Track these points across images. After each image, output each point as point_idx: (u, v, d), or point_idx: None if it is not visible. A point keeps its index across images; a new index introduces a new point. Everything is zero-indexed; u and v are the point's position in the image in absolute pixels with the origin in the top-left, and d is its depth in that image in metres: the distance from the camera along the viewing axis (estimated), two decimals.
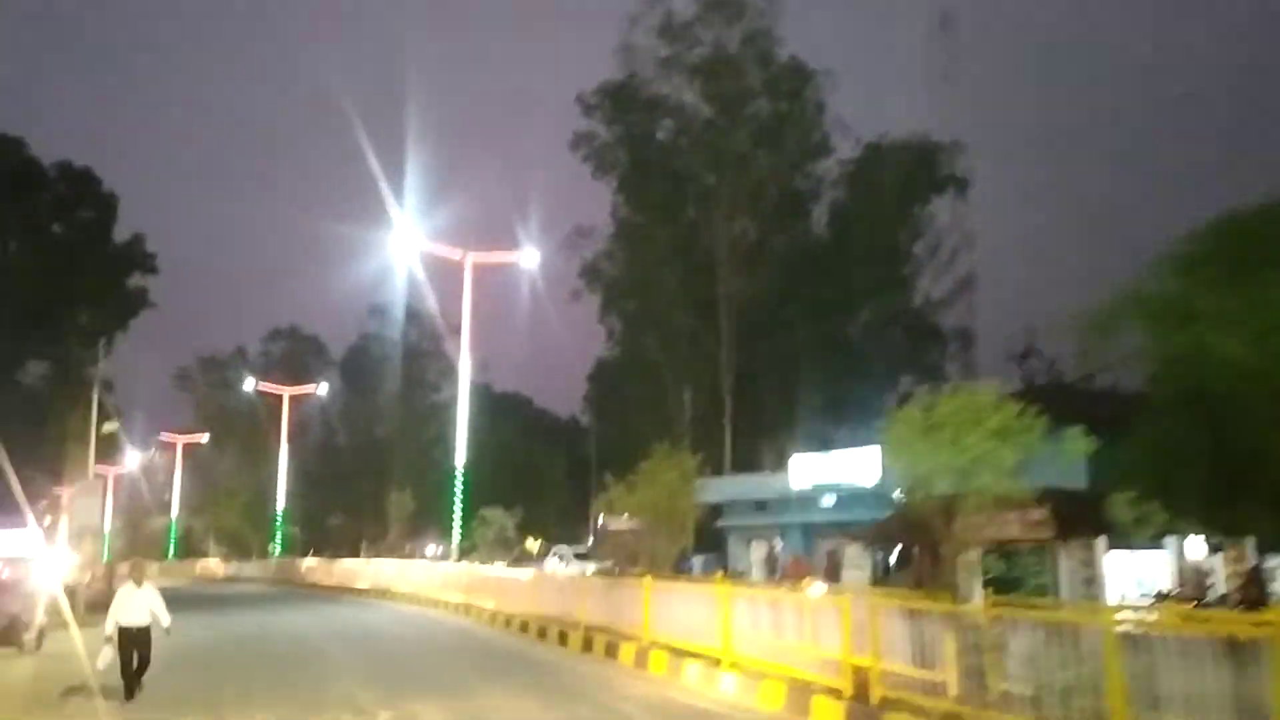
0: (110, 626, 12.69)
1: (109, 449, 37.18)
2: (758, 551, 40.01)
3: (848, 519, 38.32)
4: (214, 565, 65.04)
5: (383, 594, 33.75)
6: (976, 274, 45.63)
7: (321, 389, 62.32)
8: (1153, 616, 11.22)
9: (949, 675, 9.89)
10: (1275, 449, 12.95)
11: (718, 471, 44.18)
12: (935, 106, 52.33)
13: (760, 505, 40.10)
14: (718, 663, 13.58)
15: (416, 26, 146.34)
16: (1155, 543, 20.08)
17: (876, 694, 10.54)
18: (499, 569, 27.59)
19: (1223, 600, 18.33)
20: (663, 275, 46.53)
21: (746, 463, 45.87)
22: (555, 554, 39.45)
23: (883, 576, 31.59)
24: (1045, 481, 13.24)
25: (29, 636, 18.49)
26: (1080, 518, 18.67)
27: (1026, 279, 64.20)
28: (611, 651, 16.52)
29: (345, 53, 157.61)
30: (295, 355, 79.06)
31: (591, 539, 53.23)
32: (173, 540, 75.36)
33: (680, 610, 15.34)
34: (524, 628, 20.87)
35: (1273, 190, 14.54)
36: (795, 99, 46.58)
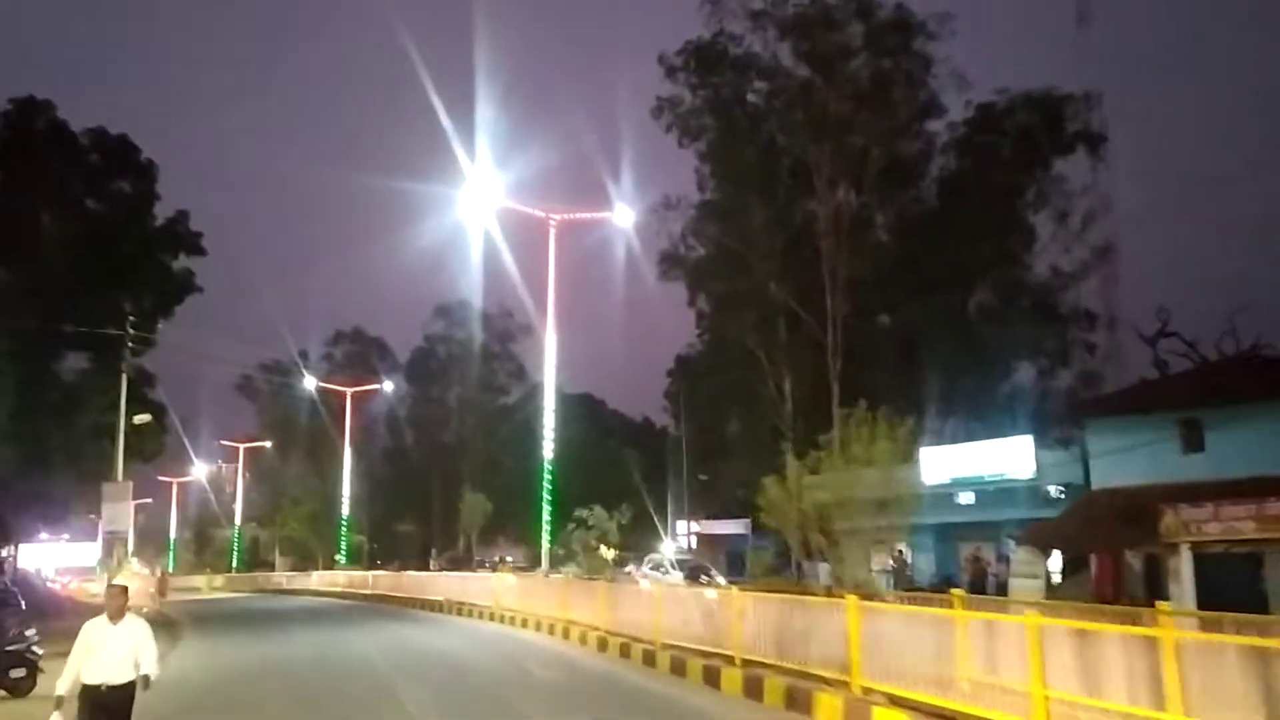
0: (66, 683, 7.90)
1: (148, 447, 32.82)
2: (878, 558, 34.58)
3: (990, 519, 32.87)
4: (276, 576, 61.11)
5: (458, 608, 28.98)
6: (1115, 243, 39.71)
7: (387, 386, 58.09)
8: None
9: None
10: None
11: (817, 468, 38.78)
12: (1065, 54, 46.30)
13: (880, 505, 34.65)
14: None
15: None
16: None
17: None
18: (603, 582, 22.59)
19: None
20: (758, 252, 41.32)
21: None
22: (650, 563, 34.33)
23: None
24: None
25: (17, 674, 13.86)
26: None
27: (1155, 250, 57.08)
28: (797, 702, 11.39)
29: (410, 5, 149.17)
30: (359, 358, 75.21)
31: (678, 544, 47.96)
32: (237, 550, 71.86)
33: (913, 644, 10.18)
34: (649, 659, 15.79)
35: None
36: (901, 55, 41.13)
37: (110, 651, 8.02)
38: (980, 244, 40.38)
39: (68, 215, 29.43)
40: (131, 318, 23.06)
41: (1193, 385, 26.50)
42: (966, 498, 32.74)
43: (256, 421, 76.24)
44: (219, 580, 67.08)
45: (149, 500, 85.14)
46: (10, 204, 28.37)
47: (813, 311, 40.62)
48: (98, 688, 7.84)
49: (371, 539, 71.00)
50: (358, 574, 46.63)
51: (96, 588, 36.77)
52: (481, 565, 61.59)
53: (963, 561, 32.49)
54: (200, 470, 78.38)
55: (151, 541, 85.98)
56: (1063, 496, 29.50)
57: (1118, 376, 40.32)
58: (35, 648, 13.69)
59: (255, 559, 78.41)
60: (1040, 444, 31.44)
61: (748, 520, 38.36)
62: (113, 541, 23.51)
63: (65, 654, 8.07)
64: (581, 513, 29.45)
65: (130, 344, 23.11)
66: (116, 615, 8.18)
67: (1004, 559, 30.10)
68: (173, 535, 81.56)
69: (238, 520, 71.61)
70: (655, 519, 67.68)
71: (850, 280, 40.19)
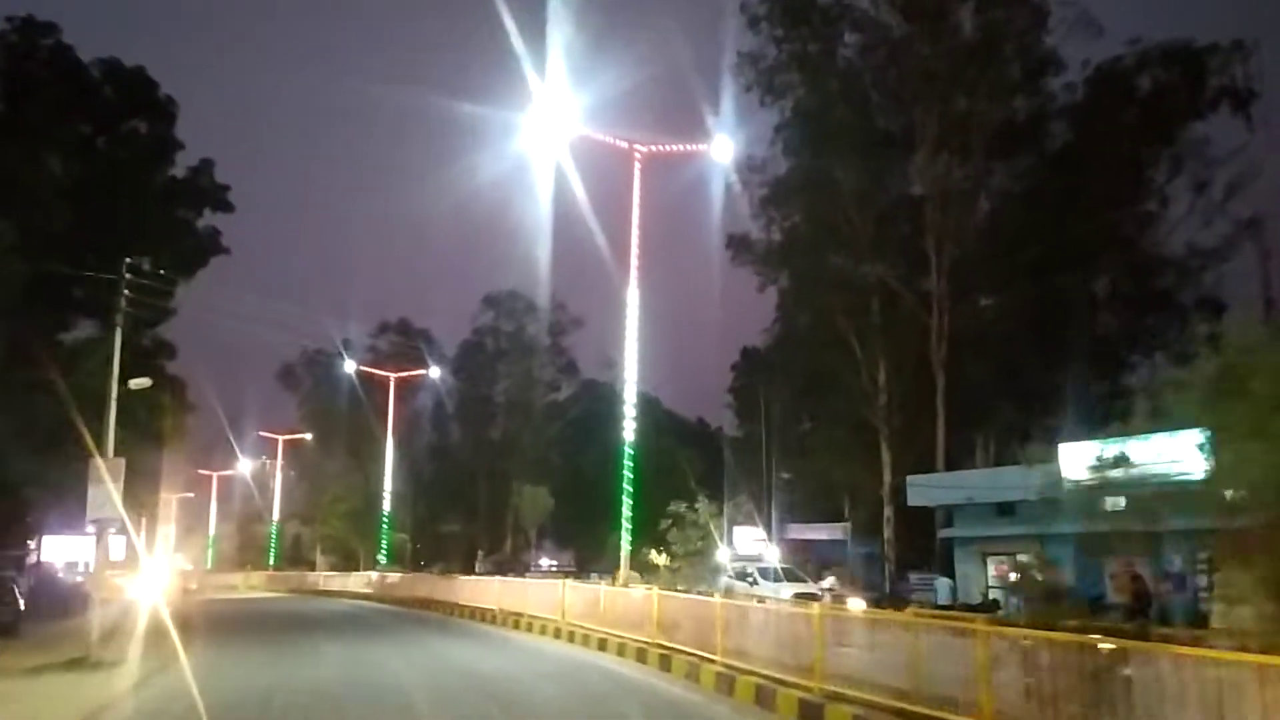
0: None
1: (156, 423, 27.91)
2: (1002, 571, 29.20)
3: (1148, 528, 27.21)
4: (313, 577, 56.69)
5: (515, 620, 24.07)
6: (1263, 217, 33.91)
7: (432, 372, 53.58)
8: None
9: None
10: None
11: (925, 467, 33.47)
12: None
13: (1005, 510, 29.36)
14: None
15: None
16: None
17: None
18: (717, 598, 17.41)
19: None
20: (849, 225, 36.10)
21: (957, 458, 35.10)
22: (734, 571, 29.05)
23: None
24: None
25: None
26: None
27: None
28: None
29: None
30: (405, 351, 70.72)
31: (768, 549, 42.25)
32: (274, 546, 67.66)
33: None
34: (814, 715, 10.66)
35: None
36: (1013, 6, 35.78)
37: None
38: (1104, 217, 34.89)
39: (74, 158, 25.02)
40: (129, 260, 18.25)
41: None
42: (1114, 502, 27.18)
43: (297, 414, 72.17)
44: (257, 579, 62.87)
45: (190, 495, 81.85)
46: (7, 142, 24.11)
47: (913, 292, 35.39)
48: None
49: (414, 539, 66.48)
50: (400, 576, 41.98)
51: (127, 581, 32.43)
52: (527, 569, 56.92)
53: (1110, 578, 27.01)
54: (244, 465, 74.55)
55: (197, 537, 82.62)
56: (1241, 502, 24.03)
57: None
58: None
59: (297, 557, 74.30)
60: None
61: (846, 524, 33.09)
62: (102, 530, 18.77)
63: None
64: (676, 507, 24.04)
65: (127, 293, 18.38)
66: None
67: (1170, 576, 24.68)
68: (212, 531, 77.66)
69: (275, 516, 67.41)
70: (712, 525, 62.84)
71: (957, 257, 34.90)
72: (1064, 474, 26.62)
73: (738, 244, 43.16)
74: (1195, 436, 24.95)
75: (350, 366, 52.40)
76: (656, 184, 23.29)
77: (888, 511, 34.80)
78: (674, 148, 22.21)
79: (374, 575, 43.81)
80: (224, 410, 72.27)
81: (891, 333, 36.05)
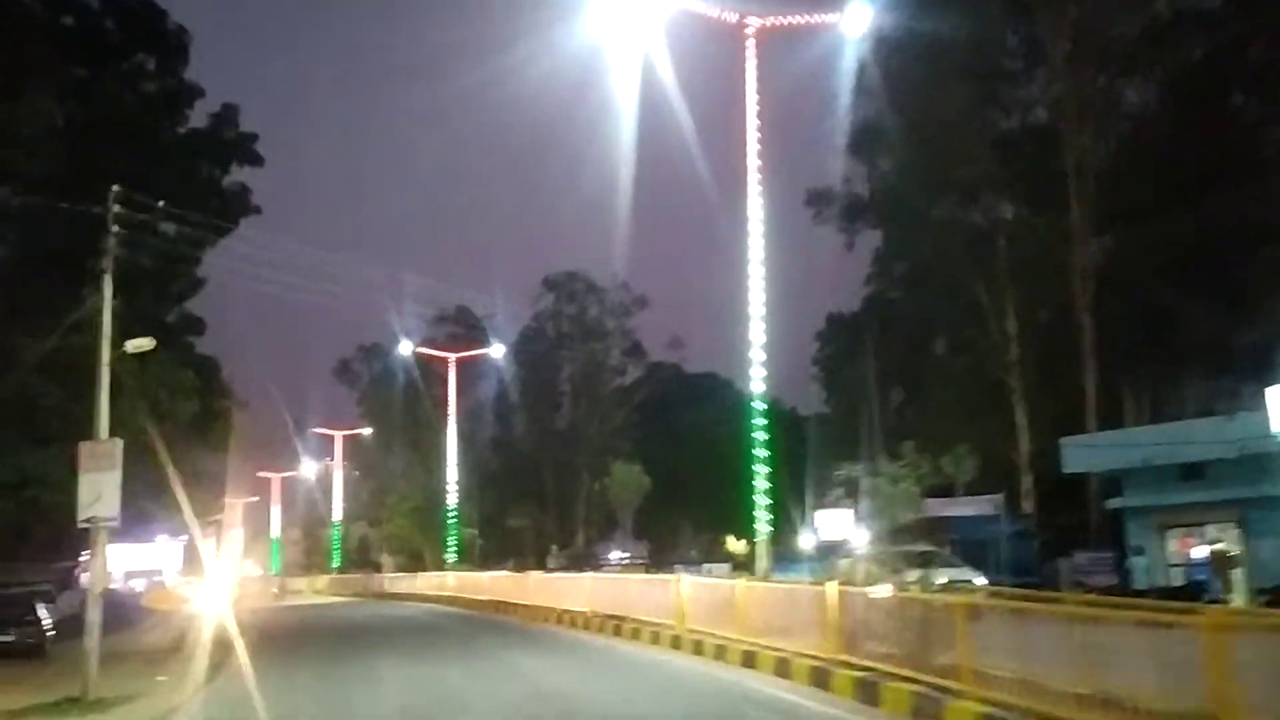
0: None
1: (182, 408, 23.48)
2: (1194, 549, 23.82)
3: None
4: (378, 579, 52.86)
5: (613, 627, 19.43)
6: None
7: (495, 350, 49.44)
8: None
9: None
10: None
11: (1075, 425, 28.05)
12: None
13: (1190, 472, 24.00)
14: None
15: None
16: None
17: None
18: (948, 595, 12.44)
19: None
20: (962, 150, 30.90)
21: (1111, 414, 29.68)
22: (844, 556, 24.13)
23: None
24: None
25: None
26: None
27: None
28: None
29: None
30: (464, 340, 66.71)
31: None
32: (336, 548, 64.11)
33: None
34: None
35: None
36: None
37: None
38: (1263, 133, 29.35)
39: (67, 98, 20.89)
40: (116, 187, 13.92)
41: None
42: None
43: (356, 411, 68.66)
44: (321, 583, 59.34)
45: (254, 499, 78.99)
46: None
47: (1047, 227, 30.07)
48: None
49: (481, 535, 62.38)
50: (470, 576, 37.71)
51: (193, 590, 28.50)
52: (599, 564, 52.52)
53: None
54: (307, 467, 71.37)
55: (264, 543, 79.95)
56: None
57: None
58: None
59: (364, 559, 70.84)
60: None
61: (997, 497, 27.81)
62: (97, 531, 14.46)
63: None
64: (847, 470, 18.36)
65: (116, 230, 14.09)
66: None
67: None
68: (275, 534, 74.57)
69: (336, 517, 63.88)
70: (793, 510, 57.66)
71: (1095, 185, 29.49)
72: (1271, 425, 21.42)
73: (819, 198, 38.42)
74: None
75: (407, 348, 48.45)
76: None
77: (1026, 481, 29.59)
78: (795, 20, 17.18)
79: (443, 575, 39.63)
80: (279, 411, 69.32)
81: (1022, 275, 30.77)
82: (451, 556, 43.59)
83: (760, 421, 16.72)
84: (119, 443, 14.41)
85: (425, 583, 41.09)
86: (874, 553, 23.57)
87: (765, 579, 15.35)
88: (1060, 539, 26.64)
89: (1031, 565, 26.00)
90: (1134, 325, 29.05)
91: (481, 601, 31.11)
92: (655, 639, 17.00)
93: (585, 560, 55.25)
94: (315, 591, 56.61)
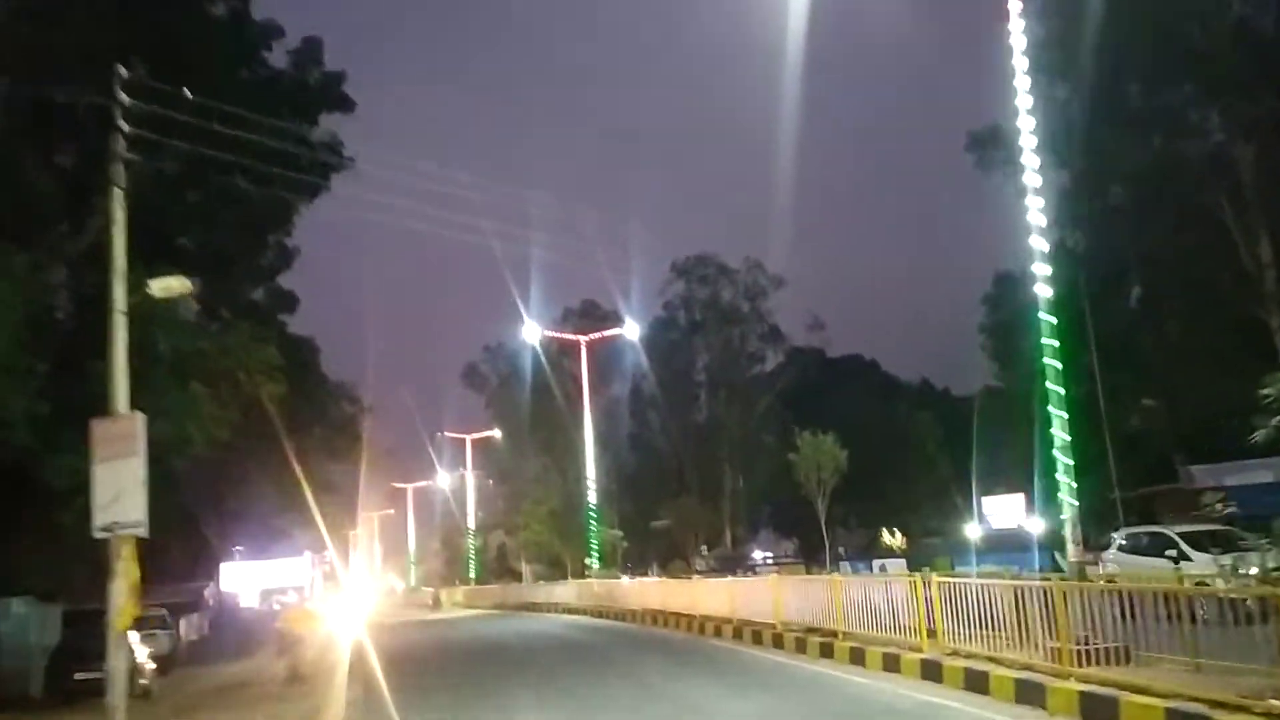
0: None
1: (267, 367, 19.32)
2: None
3: None
4: (517, 589, 49.20)
5: (819, 647, 14.48)
6: None
7: (629, 330, 45.16)
8: None
9: None
10: None
11: None
12: None
13: None
14: None
15: None
16: None
17: None
18: None
19: None
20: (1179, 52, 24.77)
21: None
22: (1127, 539, 18.53)
23: None
24: None
25: None
26: None
27: None
28: None
29: None
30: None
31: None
32: (473, 557, 61.04)
33: None
34: None
35: None
36: None
37: None
38: None
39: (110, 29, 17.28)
40: (124, 72, 9.88)
41: None
42: None
43: (485, 414, 65.64)
44: (459, 594, 56.24)
45: (390, 511, 77.24)
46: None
47: None
48: None
49: (626, 537, 58.22)
50: (618, 583, 33.33)
51: (329, 608, 25.29)
52: (751, 569, 47.83)
53: None
54: (442, 478, 69.03)
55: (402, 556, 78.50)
56: None
57: None
58: None
59: (503, 568, 67.82)
60: None
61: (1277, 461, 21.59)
62: (118, 541, 10.28)
63: None
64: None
65: (124, 126, 10.00)
66: None
67: None
68: (411, 547, 72.38)
69: (470, 524, 60.85)
70: (959, 496, 51.23)
71: None
72: None
73: (985, 140, 32.93)
74: None
75: (535, 332, 44.66)
76: None
77: None
78: None
79: (587, 583, 35.36)
80: (410, 419, 67.05)
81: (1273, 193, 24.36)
82: (594, 562, 39.35)
83: (1053, 344, 11.45)
84: (140, 417, 10.30)
85: (567, 591, 36.95)
86: (1132, 538, 17.85)
87: (1082, 577, 10.09)
88: None
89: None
90: None
91: (634, 611, 26.57)
92: (895, 665, 11.95)
93: (736, 561, 50.38)
94: (453, 604, 53.57)
